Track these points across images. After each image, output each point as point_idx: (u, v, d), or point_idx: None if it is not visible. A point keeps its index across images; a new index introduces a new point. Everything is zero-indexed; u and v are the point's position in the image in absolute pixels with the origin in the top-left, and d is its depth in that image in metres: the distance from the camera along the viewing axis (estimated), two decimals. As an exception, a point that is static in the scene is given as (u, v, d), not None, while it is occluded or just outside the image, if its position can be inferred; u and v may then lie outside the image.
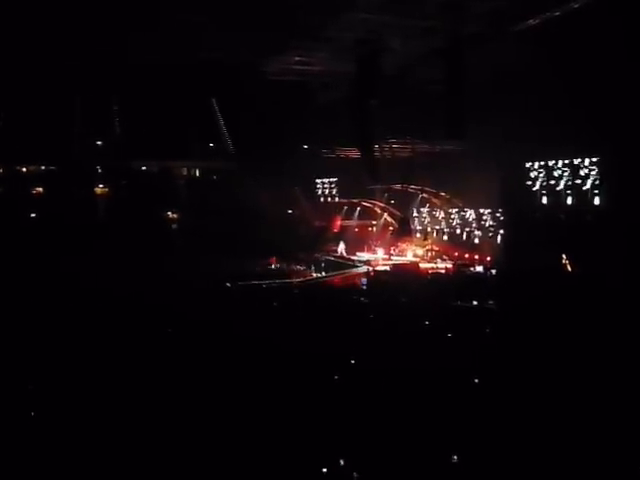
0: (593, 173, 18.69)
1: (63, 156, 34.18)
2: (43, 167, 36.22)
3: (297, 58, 22.92)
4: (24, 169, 36.10)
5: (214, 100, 36.98)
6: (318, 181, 36.01)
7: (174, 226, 36.68)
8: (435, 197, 27.13)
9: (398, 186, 28.54)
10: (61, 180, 34.88)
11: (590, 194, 18.86)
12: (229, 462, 7.03)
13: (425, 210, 28.49)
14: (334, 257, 27.15)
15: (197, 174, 41.00)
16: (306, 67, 23.88)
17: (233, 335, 13.13)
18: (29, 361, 10.82)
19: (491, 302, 16.65)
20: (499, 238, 23.97)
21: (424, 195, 27.63)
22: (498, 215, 24.01)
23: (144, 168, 38.18)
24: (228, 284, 21.10)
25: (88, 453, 7.09)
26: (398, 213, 28.18)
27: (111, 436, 7.55)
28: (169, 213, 36.64)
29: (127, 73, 26.60)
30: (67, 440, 7.47)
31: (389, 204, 28.90)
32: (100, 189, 36.77)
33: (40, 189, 35.59)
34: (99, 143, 36.41)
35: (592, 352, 10.56)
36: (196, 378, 9.94)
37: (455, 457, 7.02)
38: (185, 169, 40.44)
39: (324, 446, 7.35)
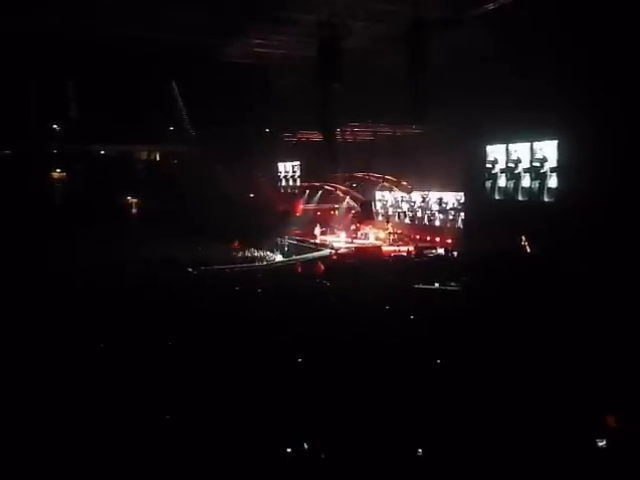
0: (551, 156, 19.02)
1: (19, 140, 33.38)
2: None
3: (258, 41, 22.77)
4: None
5: (174, 83, 36.48)
6: (280, 165, 35.93)
7: (134, 211, 36.24)
8: (397, 185, 27.18)
9: (360, 174, 28.56)
10: (17, 165, 34.10)
11: (548, 177, 19.21)
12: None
13: (387, 194, 28.66)
14: (296, 241, 27.16)
15: (157, 158, 40.53)
16: (267, 50, 23.77)
17: (194, 318, 13.12)
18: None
19: (452, 284, 16.89)
20: (460, 221, 24.30)
21: (385, 184, 27.67)
22: (459, 198, 24.30)
23: (102, 152, 37.57)
24: (190, 269, 20.97)
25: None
26: (360, 197, 28.28)
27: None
28: (129, 198, 36.15)
29: (85, 55, 26.05)
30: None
31: (351, 188, 28.96)
32: (57, 174, 36.11)
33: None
34: (56, 127, 35.66)
35: (553, 332, 10.82)
36: (156, 363, 9.90)
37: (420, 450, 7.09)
38: (145, 153, 39.93)
39: (291, 429, 7.40)
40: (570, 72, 17.00)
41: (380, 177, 27.50)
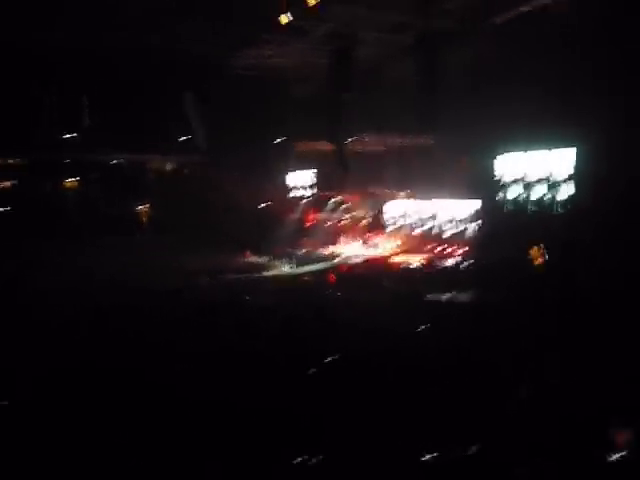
0: (568, 164, 18.73)
1: (31, 149, 33.59)
2: (10, 160, 35.58)
3: (269, 52, 22.91)
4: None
5: (187, 94, 36.66)
6: (291, 175, 35.95)
7: (146, 220, 36.33)
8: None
9: (372, 189, 28.47)
10: (29, 173, 34.31)
11: (563, 186, 18.99)
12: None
13: (397, 204, 28.57)
14: (307, 250, 27.11)
15: (169, 168, 40.66)
16: (279, 60, 23.89)
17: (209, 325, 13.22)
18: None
19: (463, 294, 16.79)
20: (471, 231, 24.14)
21: (394, 199, 27.57)
22: (470, 208, 24.13)
23: (115, 161, 37.72)
24: (208, 278, 21.06)
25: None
26: (370, 207, 28.21)
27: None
28: (140, 207, 36.25)
29: (98, 65, 26.27)
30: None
31: (362, 198, 28.89)
32: (69, 182, 36.29)
33: (7, 183, 34.96)
34: (68, 136, 35.87)
35: (565, 339, 10.76)
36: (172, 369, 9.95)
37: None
38: (157, 163, 40.07)
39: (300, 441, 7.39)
40: (586, 81, 16.93)
41: (392, 194, 27.42)
